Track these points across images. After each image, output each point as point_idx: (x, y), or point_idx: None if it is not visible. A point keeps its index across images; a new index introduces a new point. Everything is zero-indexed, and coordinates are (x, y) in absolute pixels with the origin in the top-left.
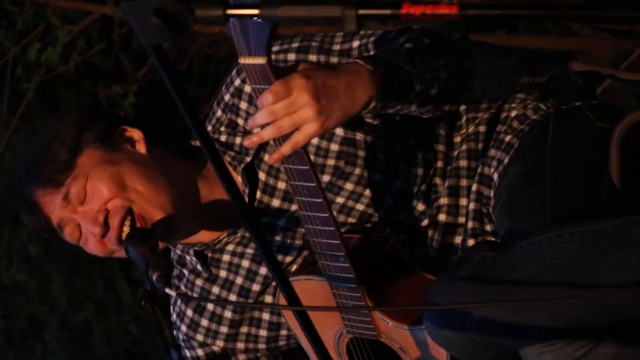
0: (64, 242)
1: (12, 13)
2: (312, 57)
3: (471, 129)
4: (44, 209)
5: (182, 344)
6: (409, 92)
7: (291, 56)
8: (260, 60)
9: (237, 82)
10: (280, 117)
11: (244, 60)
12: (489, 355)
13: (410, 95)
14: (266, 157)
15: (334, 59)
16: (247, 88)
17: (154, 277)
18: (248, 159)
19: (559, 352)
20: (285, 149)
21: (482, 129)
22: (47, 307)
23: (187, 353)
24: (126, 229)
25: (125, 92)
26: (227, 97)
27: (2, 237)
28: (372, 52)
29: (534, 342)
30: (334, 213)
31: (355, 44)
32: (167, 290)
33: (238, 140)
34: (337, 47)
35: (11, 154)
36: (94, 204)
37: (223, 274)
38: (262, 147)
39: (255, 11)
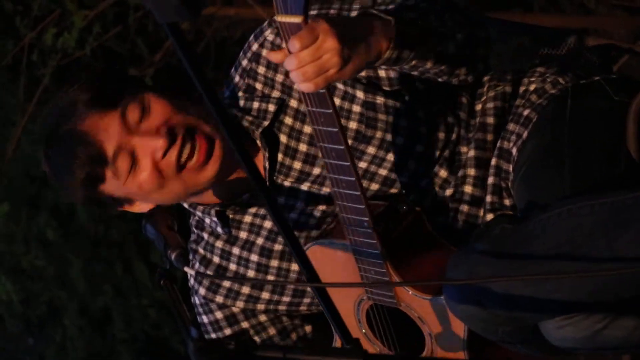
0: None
1: None
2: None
3: (491, 95)
4: (97, 135)
5: (200, 309)
6: (423, 44)
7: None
8: (297, 19)
9: (255, 46)
10: (306, 63)
11: (280, 18)
12: (509, 329)
13: (425, 48)
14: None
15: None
16: (265, 52)
17: (173, 256)
18: (266, 123)
19: (578, 325)
20: (305, 86)
21: (505, 103)
22: (66, 292)
23: (205, 318)
24: (186, 153)
25: (141, 75)
26: (244, 62)
27: (20, 222)
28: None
29: (554, 315)
30: None
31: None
32: (186, 269)
33: (256, 104)
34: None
35: (28, 140)
36: (152, 121)
37: (244, 235)
38: (282, 110)
39: None
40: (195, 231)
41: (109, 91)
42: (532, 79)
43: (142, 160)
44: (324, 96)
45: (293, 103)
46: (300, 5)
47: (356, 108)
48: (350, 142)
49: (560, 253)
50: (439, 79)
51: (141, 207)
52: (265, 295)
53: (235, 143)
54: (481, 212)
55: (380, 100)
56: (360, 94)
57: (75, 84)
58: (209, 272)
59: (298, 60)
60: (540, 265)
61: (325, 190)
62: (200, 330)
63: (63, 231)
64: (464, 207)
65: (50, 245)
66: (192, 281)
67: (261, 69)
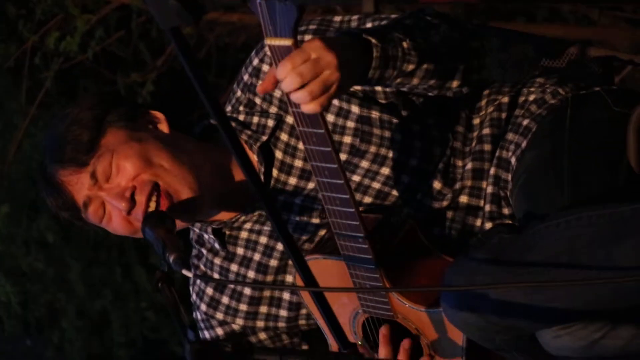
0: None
1: (31, 2)
2: None
3: (490, 110)
4: (69, 187)
5: (202, 324)
6: (405, 62)
7: (308, 37)
8: (287, 42)
9: (256, 61)
10: (307, 78)
11: (270, 42)
12: (506, 338)
13: (408, 66)
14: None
15: None
16: (265, 67)
17: (171, 259)
18: (264, 137)
19: (576, 334)
20: (312, 106)
21: (502, 113)
22: (65, 294)
23: (207, 334)
24: (153, 205)
25: (143, 80)
26: (245, 77)
27: (20, 225)
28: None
29: (551, 324)
30: None
31: (369, 24)
32: (184, 272)
33: (255, 119)
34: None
35: (29, 143)
36: (120, 180)
37: (240, 251)
38: (279, 126)
39: None
40: (196, 247)
41: (86, 144)
42: (532, 89)
43: (112, 212)
44: (316, 116)
45: (289, 119)
46: (289, 28)
47: (350, 124)
48: (344, 156)
49: (558, 262)
50: (430, 94)
51: None
52: (263, 309)
53: (235, 147)
54: (478, 222)
55: (375, 114)
56: (355, 109)
57: (74, 111)
58: (214, 274)
59: (299, 73)
60: (538, 274)
61: (319, 203)
62: (197, 332)
63: (63, 234)
64: (460, 217)
65: (50, 247)
66: (194, 297)
67: None
